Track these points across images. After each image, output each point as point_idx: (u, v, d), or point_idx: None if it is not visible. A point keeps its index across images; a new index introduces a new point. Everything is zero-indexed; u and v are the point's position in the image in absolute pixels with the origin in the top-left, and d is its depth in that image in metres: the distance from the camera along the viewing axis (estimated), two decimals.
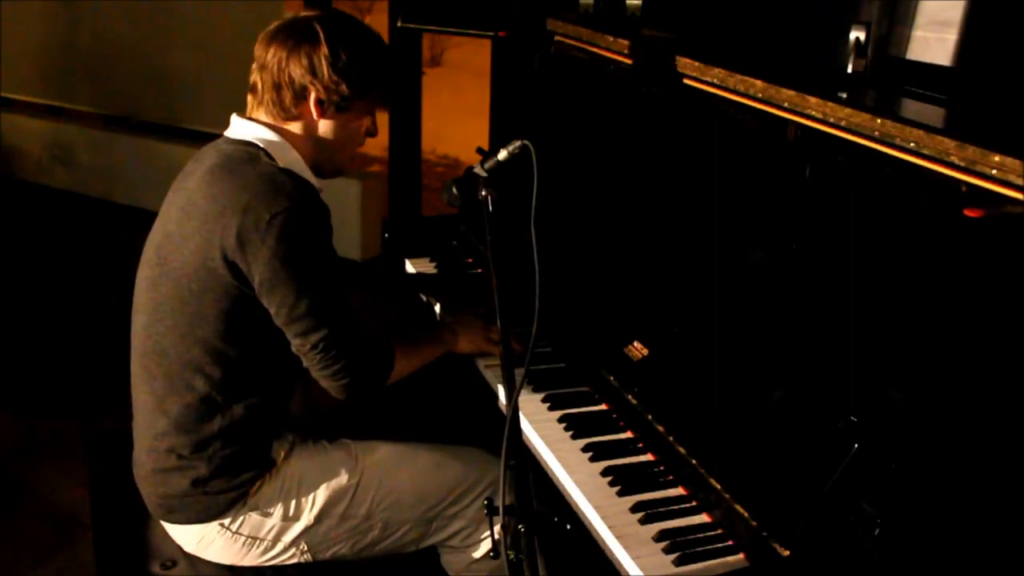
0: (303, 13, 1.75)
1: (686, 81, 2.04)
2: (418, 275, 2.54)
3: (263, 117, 1.77)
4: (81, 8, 5.29)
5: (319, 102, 1.73)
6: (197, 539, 1.82)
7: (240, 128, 1.77)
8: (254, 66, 1.75)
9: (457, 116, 6.60)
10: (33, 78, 5.61)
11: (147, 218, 1.86)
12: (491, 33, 3.51)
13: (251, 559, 1.83)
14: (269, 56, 1.71)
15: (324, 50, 1.70)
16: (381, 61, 1.79)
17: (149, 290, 1.77)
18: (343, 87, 1.73)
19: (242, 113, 1.79)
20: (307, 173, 1.77)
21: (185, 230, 1.70)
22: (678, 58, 2.04)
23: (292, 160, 1.75)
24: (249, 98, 1.78)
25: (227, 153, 1.73)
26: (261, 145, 1.73)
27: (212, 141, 1.81)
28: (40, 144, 5.65)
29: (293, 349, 1.75)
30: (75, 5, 5.31)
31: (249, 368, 1.75)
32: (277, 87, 1.72)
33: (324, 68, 1.70)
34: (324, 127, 1.77)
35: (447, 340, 2.05)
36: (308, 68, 1.70)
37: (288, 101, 1.73)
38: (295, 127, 1.77)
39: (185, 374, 1.73)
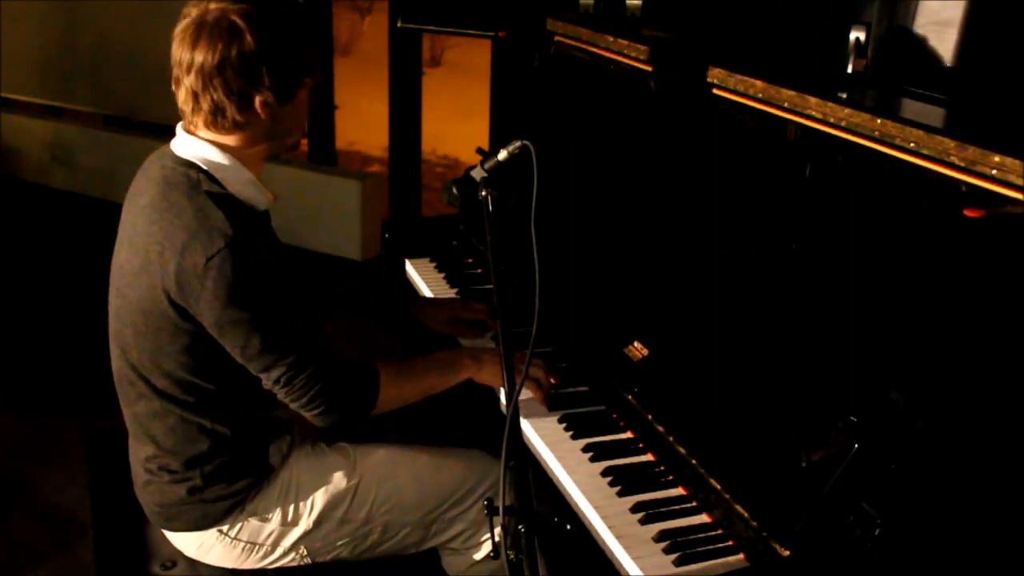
0: (214, 5, 1.56)
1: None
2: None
3: (203, 132, 1.64)
4: (81, 8, 5.29)
5: (265, 104, 1.60)
6: (196, 545, 1.81)
7: (184, 145, 1.65)
8: (177, 71, 1.59)
9: (457, 116, 6.61)
10: (33, 78, 5.61)
11: None
12: (491, 33, 3.51)
13: (250, 564, 1.83)
14: (196, 62, 1.55)
15: (255, 48, 1.55)
16: (311, 32, 1.66)
17: (115, 319, 1.73)
18: (287, 80, 1.61)
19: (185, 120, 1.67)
20: (253, 191, 1.67)
21: (133, 266, 1.64)
22: (678, 59, 2.04)
23: (238, 180, 1.64)
24: (183, 107, 1.62)
25: (167, 178, 1.63)
26: (204, 167, 1.63)
27: (161, 148, 1.72)
28: (40, 144, 5.65)
29: (262, 385, 1.69)
30: (75, 5, 5.30)
31: (225, 393, 1.71)
32: (216, 100, 1.57)
33: (263, 69, 1.56)
34: (273, 124, 1.64)
35: (466, 366, 1.89)
36: (245, 73, 1.56)
37: (232, 112, 1.59)
38: (241, 136, 1.64)
39: (161, 402, 1.69)
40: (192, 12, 1.58)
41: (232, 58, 1.55)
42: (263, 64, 1.57)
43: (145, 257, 1.61)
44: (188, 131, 1.66)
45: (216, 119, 1.61)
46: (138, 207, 1.67)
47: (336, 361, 1.71)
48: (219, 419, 1.72)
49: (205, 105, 1.59)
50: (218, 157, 1.64)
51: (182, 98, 1.62)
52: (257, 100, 1.60)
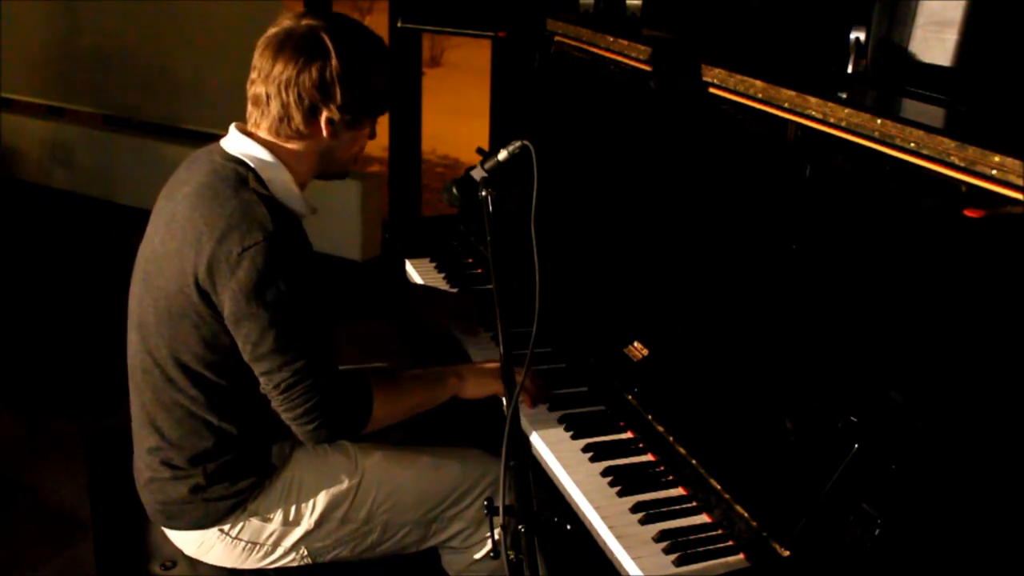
0: (305, 21, 1.64)
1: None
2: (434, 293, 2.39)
3: (264, 133, 1.70)
4: (81, 8, 5.29)
5: (330, 122, 1.66)
6: (197, 544, 1.81)
7: (236, 143, 1.70)
8: (256, 76, 1.66)
9: (457, 116, 6.61)
10: (33, 78, 5.60)
11: (147, 218, 1.84)
12: (491, 33, 3.52)
13: (251, 563, 1.83)
14: (276, 71, 1.63)
15: (336, 68, 1.62)
16: (388, 71, 1.72)
17: (137, 306, 1.75)
18: (356, 106, 1.67)
19: (242, 122, 1.73)
20: (296, 200, 1.71)
21: (167, 250, 1.66)
22: (678, 59, 2.04)
23: (283, 185, 1.69)
24: (252, 109, 1.70)
25: (217, 171, 1.67)
26: (253, 166, 1.67)
27: (209, 145, 1.76)
28: (40, 144, 5.65)
29: (260, 389, 1.69)
30: (75, 5, 5.30)
31: (234, 391, 1.71)
32: (286, 106, 1.64)
33: (337, 89, 1.63)
34: (333, 144, 1.71)
35: (450, 384, 1.90)
36: (320, 89, 1.62)
37: (297, 121, 1.65)
38: (299, 145, 1.70)
39: (171, 393, 1.70)
40: (284, 23, 1.66)
41: (311, 72, 1.62)
42: (339, 85, 1.63)
43: (182, 241, 1.63)
44: (245, 132, 1.71)
45: (281, 124, 1.67)
46: (181, 195, 1.69)
47: (339, 379, 1.71)
48: (226, 417, 1.73)
49: (274, 110, 1.66)
50: (269, 159, 1.68)
51: (252, 99, 1.69)
52: (323, 116, 1.66)
